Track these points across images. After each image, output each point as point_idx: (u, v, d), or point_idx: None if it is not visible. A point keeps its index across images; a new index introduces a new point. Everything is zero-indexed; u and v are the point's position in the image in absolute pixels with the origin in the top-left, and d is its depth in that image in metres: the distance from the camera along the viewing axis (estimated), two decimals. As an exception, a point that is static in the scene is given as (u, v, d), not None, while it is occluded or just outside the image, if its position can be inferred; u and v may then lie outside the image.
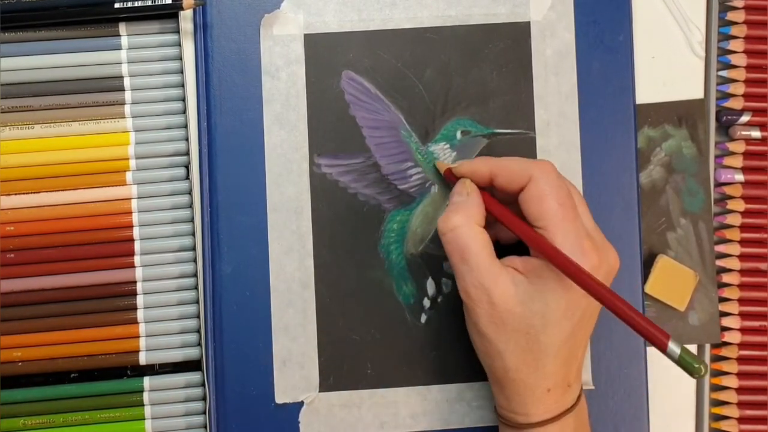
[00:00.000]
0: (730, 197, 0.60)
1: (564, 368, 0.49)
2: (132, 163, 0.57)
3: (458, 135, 0.57)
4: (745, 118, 0.60)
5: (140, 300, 0.57)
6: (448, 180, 0.54)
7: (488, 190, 0.52)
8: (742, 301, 0.60)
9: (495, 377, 0.51)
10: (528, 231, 0.48)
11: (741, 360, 0.60)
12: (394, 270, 0.56)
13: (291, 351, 0.56)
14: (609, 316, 0.55)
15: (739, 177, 0.60)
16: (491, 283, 0.48)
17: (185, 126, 0.57)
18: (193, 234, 0.57)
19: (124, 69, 0.57)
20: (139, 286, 0.57)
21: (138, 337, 0.57)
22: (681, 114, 0.59)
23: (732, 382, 0.59)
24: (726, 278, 0.60)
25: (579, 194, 0.51)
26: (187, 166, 0.57)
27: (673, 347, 0.43)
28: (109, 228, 0.57)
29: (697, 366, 0.43)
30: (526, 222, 0.49)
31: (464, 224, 0.49)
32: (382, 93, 0.56)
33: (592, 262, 0.47)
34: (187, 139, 0.57)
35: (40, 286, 0.56)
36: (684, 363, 0.43)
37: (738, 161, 0.60)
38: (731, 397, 0.59)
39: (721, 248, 0.60)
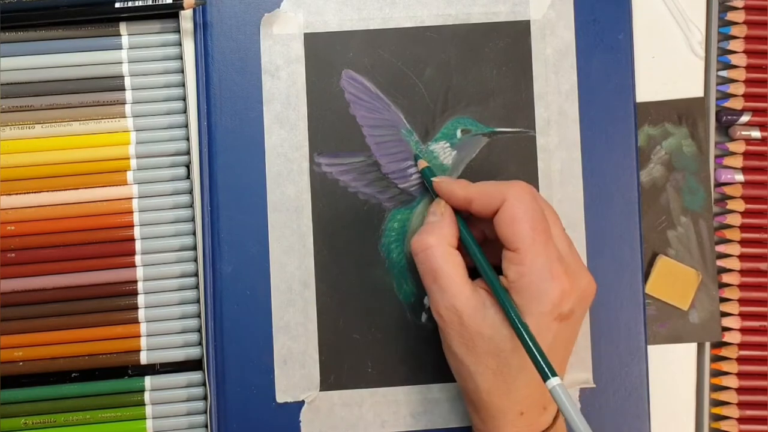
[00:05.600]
0: (730, 197, 0.60)
1: (538, 391, 0.49)
2: (133, 162, 0.57)
3: (458, 134, 0.57)
4: (745, 118, 0.60)
5: (141, 299, 0.57)
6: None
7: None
8: (742, 302, 0.60)
9: (469, 399, 0.51)
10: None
11: (741, 360, 0.60)
12: (395, 269, 0.56)
13: (292, 350, 0.56)
14: (609, 315, 0.56)
15: (739, 177, 0.60)
16: (462, 305, 0.48)
17: (186, 125, 0.57)
18: (194, 233, 0.57)
19: (125, 68, 0.57)
20: (139, 286, 0.57)
21: (139, 336, 0.57)
22: (681, 112, 0.59)
23: (732, 382, 0.59)
24: (726, 278, 0.60)
25: (555, 215, 0.51)
26: (187, 166, 0.57)
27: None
28: (109, 227, 0.57)
29: None
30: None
31: (437, 245, 0.49)
32: (382, 92, 0.56)
33: (563, 286, 0.47)
34: (187, 139, 0.57)
35: (40, 286, 0.56)
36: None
37: (738, 161, 0.60)
38: (731, 397, 0.59)
39: (721, 248, 0.60)
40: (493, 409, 0.49)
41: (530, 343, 0.46)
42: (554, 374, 0.45)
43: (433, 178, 0.53)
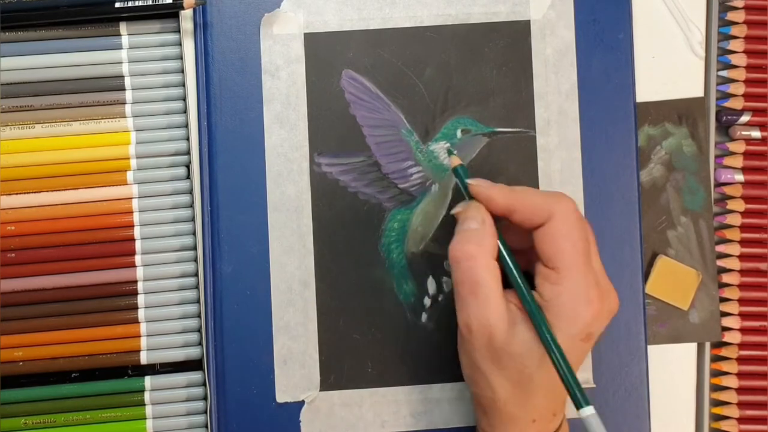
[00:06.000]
0: (730, 197, 0.60)
1: (553, 401, 0.49)
2: (133, 162, 0.57)
3: (458, 134, 0.57)
4: (745, 118, 0.60)
5: (141, 299, 0.57)
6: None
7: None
8: (742, 301, 0.60)
9: (480, 404, 0.51)
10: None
11: (741, 360, 0.60)
12: (395, 269, 0.56)
13: (292, 350, 0.56)
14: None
15: (739, 177, 0.60)
16: (496, 321, 0.47)
17: (186, 125, 0.57)
18: (194, 233, 0.57)
19: (125, 68, 0.57)
20: (140, 286, 0.57)
21: (139, 336, 0.57)
22: (681, 112, 0.59)
23: (732, 382, 0.59)
24: (726, 278, 0.60)
25: (593, 235, 0.50)
26: (187, 166, 0.57)
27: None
28: (109, 227, 0.57)
29: None
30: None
31: (481, 256, 0.48)
32: (382, 92, 0.56)
33: (595, 310, 0.47)
34: (187, 139, 0.57)
35: (41, 286, 0.56)
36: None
37: (738, 161, 0.60)
38: (731, 397, 0.59)
39: (721, 248, 0.60)
40: (506, 417, 0.49)
41: (566, 371, 0.45)
42: (587, 402, 0.45)
43: (468, 180, 0.51)
